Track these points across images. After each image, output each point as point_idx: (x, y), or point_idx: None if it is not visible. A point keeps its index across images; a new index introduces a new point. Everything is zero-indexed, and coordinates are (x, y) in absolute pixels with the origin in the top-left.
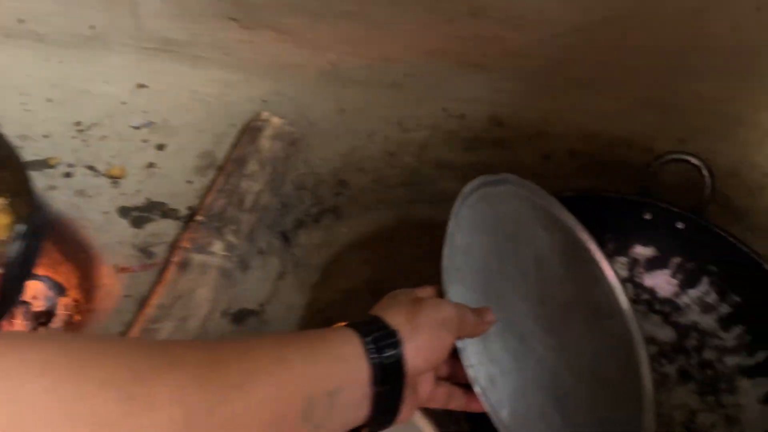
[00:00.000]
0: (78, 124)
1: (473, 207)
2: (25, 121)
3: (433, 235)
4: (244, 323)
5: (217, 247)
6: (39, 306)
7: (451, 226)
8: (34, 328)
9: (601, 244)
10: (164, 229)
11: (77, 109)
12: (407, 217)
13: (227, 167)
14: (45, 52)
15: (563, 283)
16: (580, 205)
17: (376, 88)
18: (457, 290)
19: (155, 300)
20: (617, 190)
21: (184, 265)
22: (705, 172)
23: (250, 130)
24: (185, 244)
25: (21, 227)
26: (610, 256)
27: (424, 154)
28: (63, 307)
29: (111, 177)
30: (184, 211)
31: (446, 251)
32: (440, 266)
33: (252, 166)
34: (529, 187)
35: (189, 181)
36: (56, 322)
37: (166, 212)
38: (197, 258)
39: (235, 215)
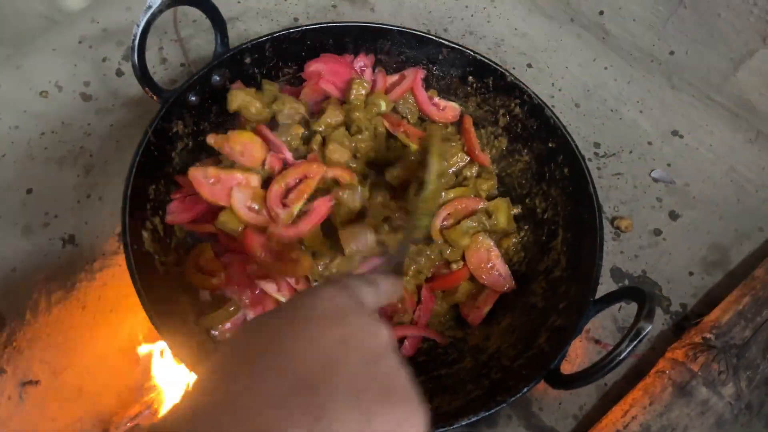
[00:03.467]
0: (597, 146)
1: None
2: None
3: None
4: None
5: (728, 390)
6: None
7: None
8: None
9: None
10: None
11: (602, 129)
12: None
13: (754, 285)
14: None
15: None
16: None
17: None
18: None
19: (633, 411)
20: None
21: (682, 390)
22: None
23: None
24: (684, 360)
25: None
26: None
27: None
28: None
29: (617, 227)
30: (675, 307)
31: None
32: None
33: None
34: None
35: (690, 272)
36: None
37: (657, 298)
38: (702, 391)
39: (755, 357)
